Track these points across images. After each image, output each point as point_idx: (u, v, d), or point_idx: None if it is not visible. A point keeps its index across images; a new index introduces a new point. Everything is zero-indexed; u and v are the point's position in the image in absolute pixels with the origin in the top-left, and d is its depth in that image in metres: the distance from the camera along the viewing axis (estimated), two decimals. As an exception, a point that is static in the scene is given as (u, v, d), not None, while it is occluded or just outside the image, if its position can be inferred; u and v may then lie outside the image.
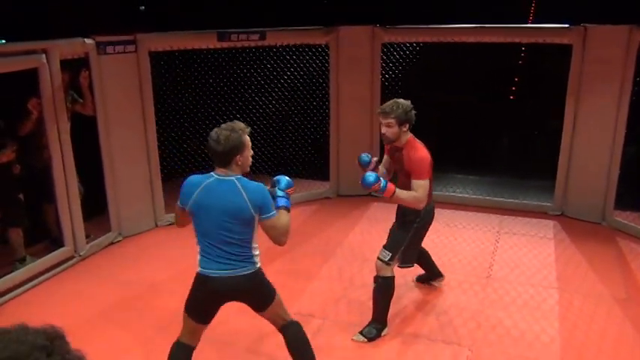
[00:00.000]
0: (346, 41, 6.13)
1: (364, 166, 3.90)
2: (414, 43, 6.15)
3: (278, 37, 5.90)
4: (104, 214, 5.43)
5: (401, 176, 3.82)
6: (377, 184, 3.49)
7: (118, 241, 5.47)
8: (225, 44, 5.68)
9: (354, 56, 6.17)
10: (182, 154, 6.04)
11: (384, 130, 3.67)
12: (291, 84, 6.30)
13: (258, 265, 3.02)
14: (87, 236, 5.18)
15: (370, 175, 3.53)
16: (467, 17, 5.97)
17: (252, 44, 5.83)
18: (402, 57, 6.23)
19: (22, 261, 4.69)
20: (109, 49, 5.05)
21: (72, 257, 4.99)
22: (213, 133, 2.87)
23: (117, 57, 5.13)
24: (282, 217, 2.95)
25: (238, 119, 6.27)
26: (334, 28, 6.09)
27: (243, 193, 2.83)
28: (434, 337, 3.89)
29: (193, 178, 2.94)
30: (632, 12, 5.53)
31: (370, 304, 4.26)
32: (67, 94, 4.86)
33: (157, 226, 5.82)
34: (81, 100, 5.01)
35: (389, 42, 6.16)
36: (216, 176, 2.88)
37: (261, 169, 6.53)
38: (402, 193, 3.57)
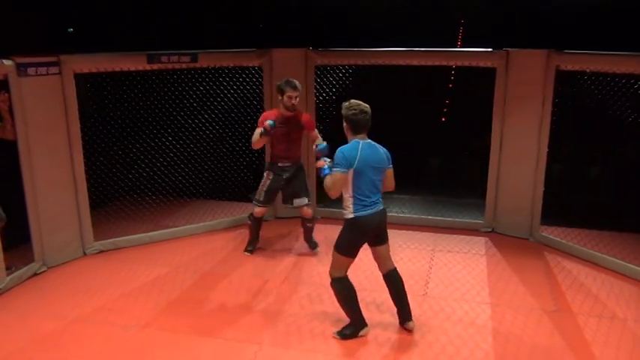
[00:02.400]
0: (279, 63, 6.14)
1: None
2: (347, 65, 6.24)
3: (210, 59, 5.83)
4: (27, 243, 5.13)
5: (294, 134, 5.25)
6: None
7: (42, 272, 5.17)
8: (155, 66, 5.56)
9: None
10: (111, 179, 5.82)
11: (294, 101, 5.10)
12: (224, 106, 6.23)
13: None
14: (8, 268, 4.87)
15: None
16: (399, 42, 6.13)
17: (184, 66, 5.73)
18: (335, 79, 6.30)
19: None
20: (31, 70, 4.82)
21: (-10, 291, 4.68)
22: (357, 108, 3.82)
23: (39, 79, 4.91)
24: None
25: (171, 142, 6.21)
26: (267, 50, 6.10)
27: (380, 150, 3.92)
28: (372, 356, 3.87)
29: (346, 149, 3.80)
30: (550, 37, 5.86)
31: (309, 326, 4.24)
32: (-17, 118, 4.60)
33: (85, 254, 5.55)
34: (0, 123, 4.75)
35: (322, 64, 6.23)
36: (362, 141, 3.83)
37: (196, 193, 6.40)
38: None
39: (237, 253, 5.65)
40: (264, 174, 5.39)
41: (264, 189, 5.35)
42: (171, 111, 6.09)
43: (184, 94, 6.05)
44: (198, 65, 5.79)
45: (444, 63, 6.12)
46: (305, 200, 5.38)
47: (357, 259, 5.17)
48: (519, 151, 5.83)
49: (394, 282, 4.16)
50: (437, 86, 7.54)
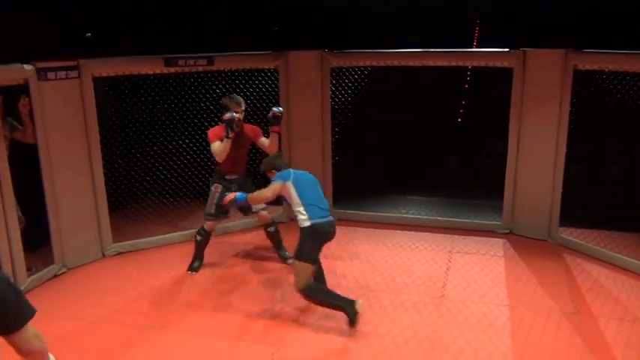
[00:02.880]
0: (295, 66, 6.16)
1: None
2: (363, 67, 6.24)
3: (226, 62, 5.86)
4: (48, 245, 5.21)
5: (241, 149, 5.21)
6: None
7: (62, 273, 5.24)
8: (172, 69, 5.61)
9: (304, 80, 6.20)
10: (129, 182, 5.87)
11: (239, 115, 5.03)
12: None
13: None
14: (28, 269, 4.94)
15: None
16: (415, 43, 6.10)
17: (200, 69, 5.78)
18: (351, 81, 6.31)
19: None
20: (50, 75, 4.89)
21: (11, 292, 4.74)
22: (273, 157, 4.63)
23: (59, 83, 4.98)
24: None
25: (188, 145, 6.23)
26: (283, 52, 6.12)
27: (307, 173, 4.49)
28: (389, 358, 3.86)
29: (279, 174, 4.38)
30: (568, 37, 5.80)
31: (326, 328, 4.24)
32: (4, 121, 4.67)
33: (104, 256, 5.62)
34: (20, 127, 4.82)
35: (337, 66, 6.23)
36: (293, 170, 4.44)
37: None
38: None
39: (254, 256, 5.67)
40: (212, 187, 5.26)
41: (215, 202, 5.20)
42: (188, 114, 6.14)
43: (200, 96, 6.09)
44: (214, 68, 5.83)
45: (460, 63, 6.10)
46: (261, 204, 5.19)
47: (373, 262, 5.17)
48: (537, 152, 5.77)
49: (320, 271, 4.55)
50: (453, 87, 7.50)
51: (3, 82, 4.56)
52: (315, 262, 4.25)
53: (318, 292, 4.20)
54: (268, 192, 4.35)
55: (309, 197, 4.22)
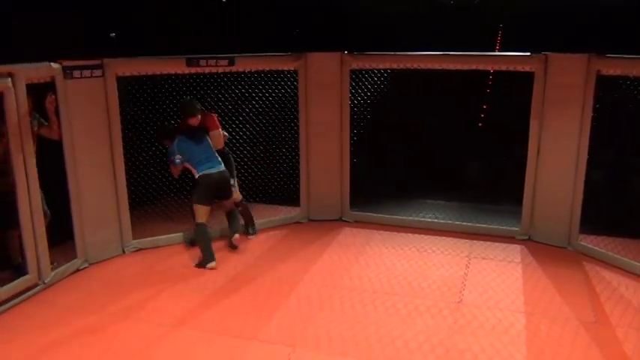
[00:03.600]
0: (315, 67, 6.18)
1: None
2: (382, 69, 6.23)
3: (247, 63, 5.91)
4: (71, 240, 5.32)
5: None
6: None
7: (84, 268, 5.35)
8: (193, 69, 5.68)
9: (323, 82, 6.22)
10: (150, 179, 5.96)
11: (194, 122, 5.55)
12: (260, 109, 6.32)
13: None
14: (51, 262, 5.04)
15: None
16: (435, 46, 6.08)
17: (221, 70, 5.84)
18: (370, 83, 6.31)
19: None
20: (76, 73, 5.01)
21: (35, 285, 4.85)
22: (171, 126, 5.80)
23: (84, 81, 5.09)
24: None
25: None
26: (303, 54, 6.15)
27: (198, 131, 5.59)
28: (403, 363, 3.87)
29: (169, 149, 5.49)
30: (591, 41, 5.72)
31: (339, 330, 4.26)
32: (32, 118, 4.78)
33: (124, 252, 5.71)
34: (46, 124, 4.94)
35: (357, 68, 6.23)
36: (179, 137, 5.50)
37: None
38: None
39: (270, 255, 5.71)
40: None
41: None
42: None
43: (220, 96, 6.15)
44: (234, 69, 5.89)
45: (481, 67, 6.06)
46: (231, 180, 5.77)
47: (389, 265, 5.17)
48: (558, 157, 5.70)
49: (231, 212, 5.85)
50: (474, 90, 7.44)
51: (32, 79, 4.68)
52: (208, 204, 5.42)
53: (202, 234, 5.41)
54: (174, 170, 5.55)
55: (194, 156, 5.40)
